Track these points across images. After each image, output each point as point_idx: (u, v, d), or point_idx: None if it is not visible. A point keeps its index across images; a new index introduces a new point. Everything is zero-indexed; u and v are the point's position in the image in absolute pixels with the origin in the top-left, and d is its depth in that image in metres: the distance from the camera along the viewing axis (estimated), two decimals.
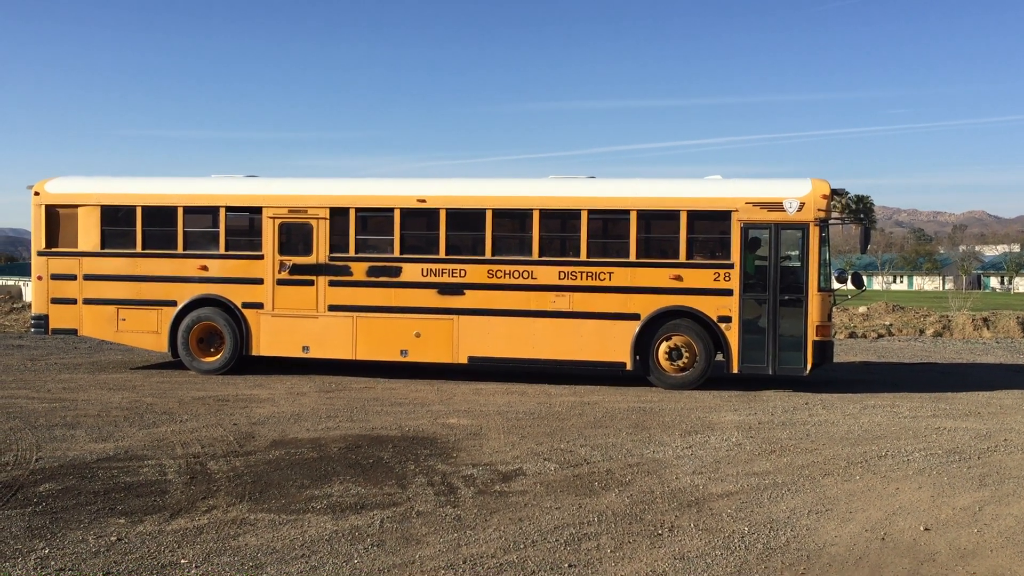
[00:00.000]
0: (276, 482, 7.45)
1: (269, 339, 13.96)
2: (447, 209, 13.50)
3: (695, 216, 13.05)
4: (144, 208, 14.24)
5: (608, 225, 13.47)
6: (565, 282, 13.20)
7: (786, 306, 12.74)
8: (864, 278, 15.68)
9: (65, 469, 7.79)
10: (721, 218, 12.97)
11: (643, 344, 13.10)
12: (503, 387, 13.12)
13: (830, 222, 12.99)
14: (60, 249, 14.48)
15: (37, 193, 14.62)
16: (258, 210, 14.06)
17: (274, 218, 13.96)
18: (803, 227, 12.72)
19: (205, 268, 14.08)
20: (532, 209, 13.33)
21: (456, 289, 13.44)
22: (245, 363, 14.32)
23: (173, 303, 14.11)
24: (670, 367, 13.09)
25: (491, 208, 13.40)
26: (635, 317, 13.04)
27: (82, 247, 14.40)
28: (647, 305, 13.01)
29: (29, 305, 25.38)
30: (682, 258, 12.96)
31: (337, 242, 13.80)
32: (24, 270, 60.47)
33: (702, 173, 16.55)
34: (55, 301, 14.47)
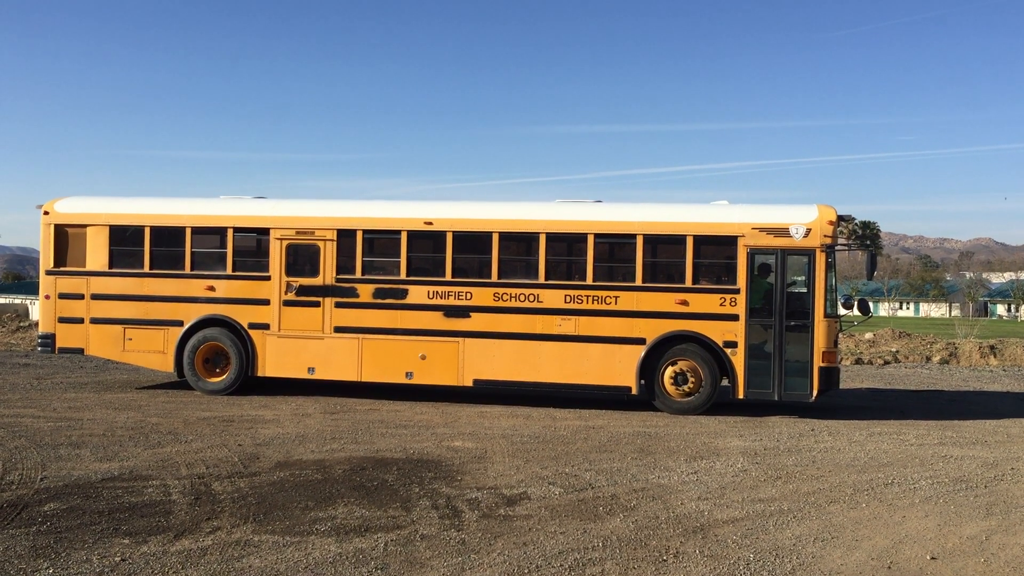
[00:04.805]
0: (280, 504, 7.44)
1: (275, 360, 13.97)
2: (454, 232, 13.54)
3: (701, 241, 13.08)
4: (152, 228, 14.31)
5: (614, 249, 13.51)
6: (571, 306, 13.21)
7: (792, 332, 12.72)
8: (870, 304, 15.66)
9: (70, 489, 7.80)
10: (727, 243, 13.00)
11: (648, 369, 13.09)
12: (508, 410, 13.10)
13: (836, 248, 13.01)
14: (68, 268, 14.55)
15: (46, 212, 14.71)
16: (266, 231, 14.13)
17: (281, 239, 14.02)
18: (809, 253, 12.73)
19: (212, 288, 14.13)
20: (539, 233, 13.37)
21: (462, 312, 13.46)
22: (251, 384, 14.34)
23: (180, 323, 14.14)
24: (675, 392, 13.07)
25: (497, 231, 13.44)
26: (641, 341, 13.03)
27: (90, 266, 14.47)
28: (653, 329, 13.01)
29: (36, 324, 25.47)
30: (688, 283, 12.97)
31: (344, 264, 13.85)
32: (31, 288, 60.71)
33: (709, 198, 16.55)
34: (62, 320, 14.52)
